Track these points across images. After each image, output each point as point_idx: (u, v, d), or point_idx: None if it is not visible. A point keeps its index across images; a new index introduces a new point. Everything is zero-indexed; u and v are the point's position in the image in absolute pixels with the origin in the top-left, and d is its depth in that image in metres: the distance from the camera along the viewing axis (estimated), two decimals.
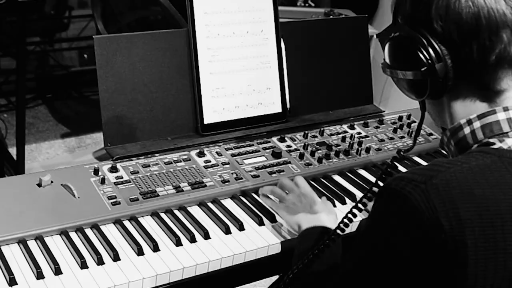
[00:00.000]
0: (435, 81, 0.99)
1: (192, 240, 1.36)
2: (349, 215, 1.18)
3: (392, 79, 1.08)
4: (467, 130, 1.00)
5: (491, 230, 0.87)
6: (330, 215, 1.38)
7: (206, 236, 1.37)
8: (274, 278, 2.12)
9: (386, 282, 0.93)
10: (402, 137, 1.86)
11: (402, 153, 1.16)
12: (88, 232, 1.35)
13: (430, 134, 1.90)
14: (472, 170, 0.90)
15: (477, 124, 0.99)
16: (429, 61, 0.98)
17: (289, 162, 1.65)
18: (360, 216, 1.28)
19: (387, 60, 1.07)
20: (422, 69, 0.99)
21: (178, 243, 1.34)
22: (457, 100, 1.02)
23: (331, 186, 1.62)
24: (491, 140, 0.97)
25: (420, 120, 1.12)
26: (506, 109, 0.98)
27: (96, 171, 1.49)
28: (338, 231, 1.18)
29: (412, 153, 1.82)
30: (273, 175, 1.59)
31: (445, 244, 0.86)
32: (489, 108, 0.99)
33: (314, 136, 1.79)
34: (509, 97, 0.99)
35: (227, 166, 1.60)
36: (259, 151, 1.68)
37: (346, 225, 1.18)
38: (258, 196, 1.53)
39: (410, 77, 1.02)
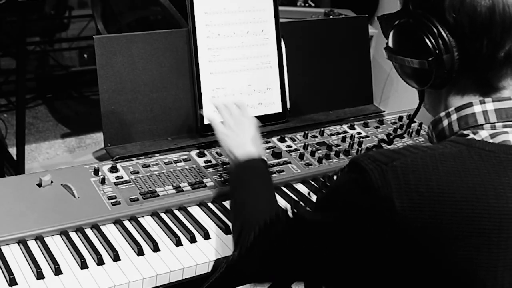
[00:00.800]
0: (440, 72, 0.99)
1: (192, 240, 1.36)
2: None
3: (393, 64, 1.08)
4: (445, 122, 1.02)
5: (441, 217, 0.88)
6: (255, 140, 1.43)
7: (206, 236, 1.37)
8: None
9: (335, 247, 0.96)
10: (402, 137, 1.86)
11: (391, 137, 1.18)
12: (88, 232, 1.35)
13: None
14: (435, 157, 0.91)
15: (454, 117, 1.00)
16: (437, 51, 0.97)
17: (289, 162, 1.65)
18: None
19: (391, 45, 1.06)
20: (429, 59, 0.98)
21: (178, 243, 1.34)
22: (455, 93, 1.02)
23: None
24: (465, 132, 0.98)
25: (416, 108, 1.12)
26: (482, 101, 0.99)
27: (96, 171, 1.49)
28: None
29: None
30: (273, 175, 1.59)
31: (394, 223, 0.88)
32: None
33: (314, 136, 1.79)
34: (506, 95, 0.99)
35: (227, 166, 1.59)
36: None
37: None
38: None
39: (415, 66, 1.01)
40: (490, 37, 0.93)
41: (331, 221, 0.96)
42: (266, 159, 1.42)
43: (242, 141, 1.42)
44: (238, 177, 1.38)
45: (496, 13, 0.92)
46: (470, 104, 0.99)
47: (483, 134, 0.96)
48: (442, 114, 1.02)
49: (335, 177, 1.19)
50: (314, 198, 1.55)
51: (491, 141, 0.95)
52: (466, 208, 0.88)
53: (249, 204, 1.29)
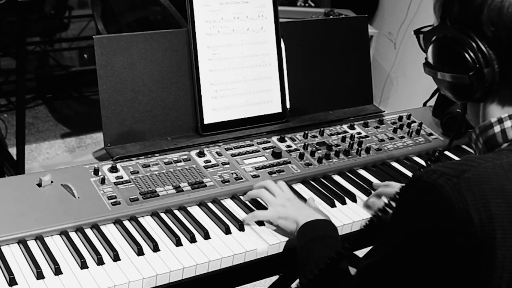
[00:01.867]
0: (481, 86, 0.99)
1: (192, 240, 1.36)
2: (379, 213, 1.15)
3: (433, 79, 1.08)
4: (497, 128, 1.01)
5: None
6: (320, 212, 1.38)
7: (206, 236, 1.37)
8: (274, 278, 2.12)
9: (415, 272, 0.93)
10: (402, 137, 1.86)
11: (437, 154, 1.18)
12: (88, 232, 1.35)
13: (430, 134, 1.90)
14: (503, 167, 0.91)
15: (508, 124, 1.00)
16: (477, 65, 0.98)
17: (289, 162, 1.65)
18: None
19: (431, 60, 1.06)
20: (470, 73, 0.99)
21: (178, 243, 1.34)
22: (496, 104, 1.02)
23: (331, 186, 1.61)
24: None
25: (459, 121, 1.14)
26: (500, 120, 0.99)
27: (96, 171, 1.49)
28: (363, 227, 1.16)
29: (412, 152, 1.82)
30: (273, 175, 1.59)
31: (474, 236, 0.87)
32: None
33: (314, 136, 1.79)
34: None
35: (227, 166, 1.60)
36: (259, 151, 1.68)
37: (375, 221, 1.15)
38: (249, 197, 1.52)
39: (456, 81, 1.02)
40: None
41: (413, 259, 0.93)
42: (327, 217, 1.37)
43: (300, 205, 1.40)
44: (318, 235, 1.30)
45: None
46: (490, 125, 1.00)
47: None
48: (494, 119, 1.01)
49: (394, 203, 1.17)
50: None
51: None
52: None
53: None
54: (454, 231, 0.88)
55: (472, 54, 0.98)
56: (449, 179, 0.89)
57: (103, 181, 1.46)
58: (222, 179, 1.54)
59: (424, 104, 2.07)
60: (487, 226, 0.87)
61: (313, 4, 3.91)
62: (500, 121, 1.01)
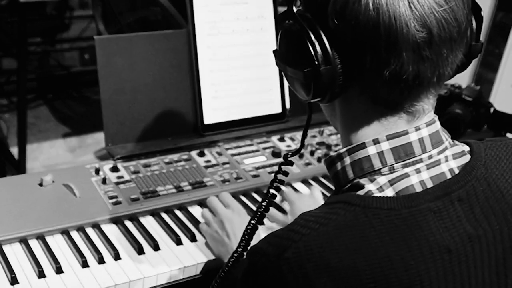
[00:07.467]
0: (319, 85, 0.83)
1: (193, 239, 1.37)
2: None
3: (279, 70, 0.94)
4: (339, 165, 0.87)
5: None
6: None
7: None
8: None
9: None
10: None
11: (288, 156, 1.07)
12: (89, 231, 1.35)
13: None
14: (329, 235, 0.78)
15: (347, 160, 0.85)
16: (315, 63, 0.81)
17: None
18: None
19: (278, 48, 0.90)
20: (305, 70, 0.83)
21: (179, 242, 1.35)
22: (348, 107, 0.87)
23: (331, 186, 1.62)
24: (361, 181, 0.83)
25: (306, 122, 1.00)
26: (376, 141, 0.84)
27: (97, 171, 1.49)
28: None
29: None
30: (273, 174, 1.60)
31: None
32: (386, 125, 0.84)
33: (314, 136, 1.79)
34: (402, 126, 0.84)
35: (227, 166, 1.60)
36: (259, 151, 1.69)
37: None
38: (247, 197, 1.53)
39: (292, 75, 0.87)
40: (373, 51, 0.78)
41: None
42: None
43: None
44: None
45: (380, 24, 0.76)
46: (363, 146, 0.84)
47: (381, 181, 0.82)
48: (333, 154, 0.88)
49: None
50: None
51: (390, 190, 0.81)
52: None
53: None
54: None
55: (310, 49, 0.81)
56: (269, 261, 0.79)
57: (104, 181, 1.47)
58: (222, 178, 1.55)
59: None
60: None
61: None
62: (340, 157, 0.87)
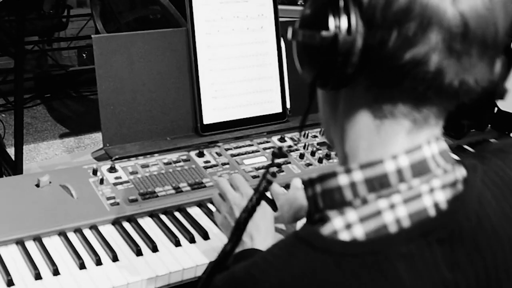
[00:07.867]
0: (331, 58, 0.73)
1: (192, 240, 1.35)
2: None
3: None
4: (309, 192, 0.78)
5: None
6: (258, 232, 1.22)
7: (205, 236, 1.37)
8: None
9: None
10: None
11: (282, 150, 0.91)
12: (87, 233, 1.34)
13: None
14: (284, 282, 0.70)
15: (318, 188, 0.76)
16: (335, 27, 0.72)
17: (289, 162, 1.64)
18: None
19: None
20: (322, 32, 0.73)
21: (177, 243, 1.33)
22: (350, 109, 0.77)
23: None
24: (330, 214, 0.73)
25: (306, 108, 0.83)
26: (348, 170, 0.74)
27: (94, 172, 1.48)
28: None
29: None
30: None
31: None
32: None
33: (315, 136, 1.78)
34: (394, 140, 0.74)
35: (227, 166, 1.59)
36: (259, 151, 1.67)
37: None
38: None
39: (305, 39, 0.78)
40: (401, 29, 0.69)
41: None
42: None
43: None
44: None
45: (416, 3, 0.69)
46: (333, 174, 0.74)
47: (351, 218, 0.72)
48: (306, 180, 0.78)
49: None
50: None
51: (360, 230, 0.71)
52: None
53: None
54: None
55: (334, 13, 0.72)
56: None
57: (101, 182, 1.45)
58: None
59: None
60: None
61: None
62: (311, 182, 0.77)
